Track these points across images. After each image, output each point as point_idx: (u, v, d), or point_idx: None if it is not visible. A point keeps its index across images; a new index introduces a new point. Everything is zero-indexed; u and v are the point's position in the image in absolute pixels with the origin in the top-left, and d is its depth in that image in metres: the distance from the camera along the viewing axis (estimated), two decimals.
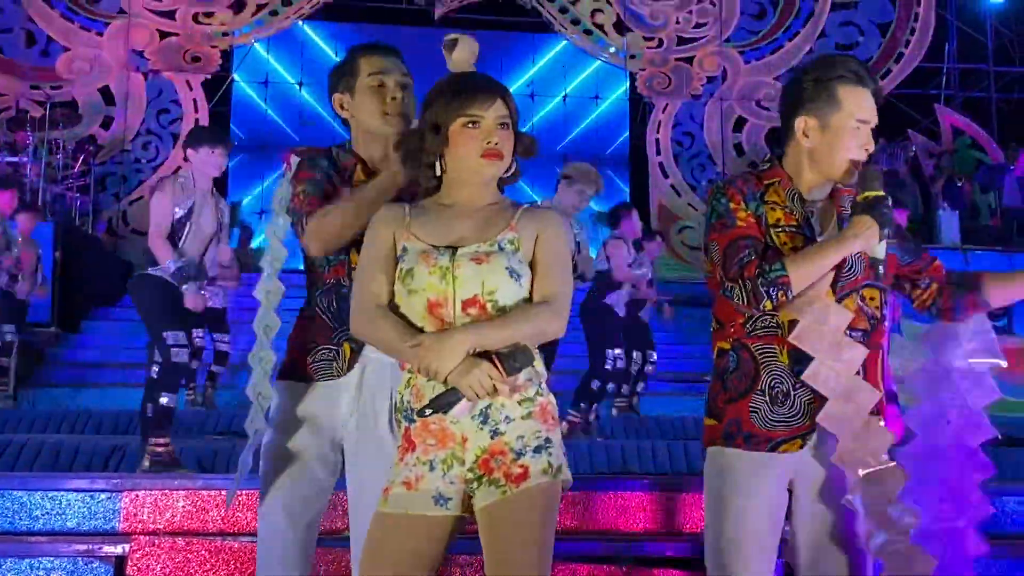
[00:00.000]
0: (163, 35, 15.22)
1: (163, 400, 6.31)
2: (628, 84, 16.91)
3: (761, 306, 2.74)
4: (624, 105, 17.66)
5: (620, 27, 16.22)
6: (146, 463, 6.13)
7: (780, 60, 16.26)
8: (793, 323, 2.76)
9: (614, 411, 9.37)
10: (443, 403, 2.53)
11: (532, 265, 2.69)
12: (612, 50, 16.38)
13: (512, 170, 2.76)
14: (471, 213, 2.72)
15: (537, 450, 2.59)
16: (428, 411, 2.55)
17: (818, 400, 2.75)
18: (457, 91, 2.68)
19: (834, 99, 2.80)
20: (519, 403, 2.60)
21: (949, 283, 2.99)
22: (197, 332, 8.44)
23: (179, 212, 6.40)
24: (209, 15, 15.39)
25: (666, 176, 16.15)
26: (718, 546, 2.81)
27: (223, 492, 5.13)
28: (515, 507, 2.55)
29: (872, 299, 2.86)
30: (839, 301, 2.78)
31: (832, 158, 2.81)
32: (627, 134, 17.70)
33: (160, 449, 6.20)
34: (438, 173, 2.73)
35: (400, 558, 2.57)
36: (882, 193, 2.72)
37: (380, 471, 2.80)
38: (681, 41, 16.26)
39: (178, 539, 4.95)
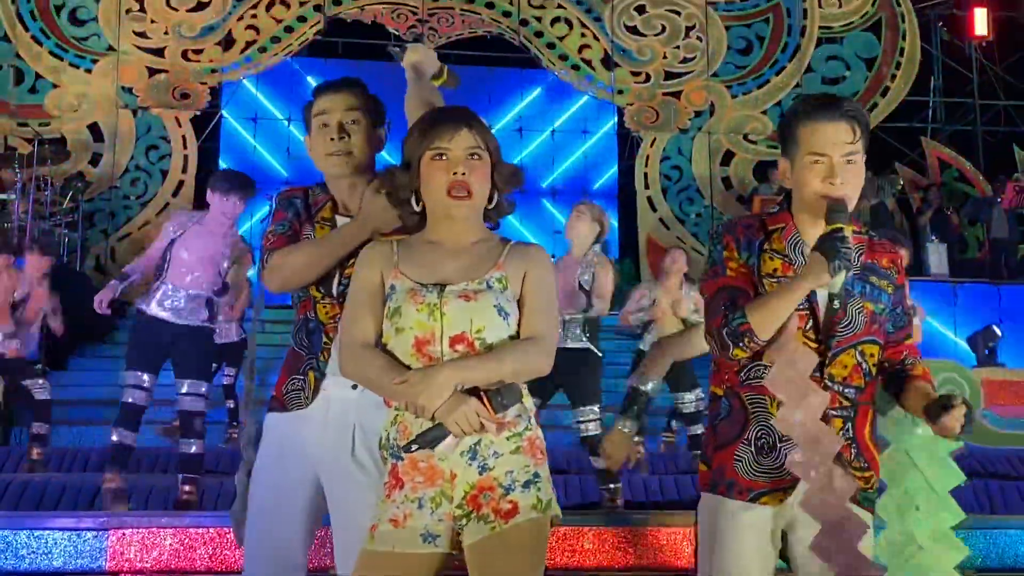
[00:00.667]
0: (152, 72, 15.23)
1: (113, 436, 6.36)
2: (616, 119, 16.97)
3: (731, 355, 2.74)
4: (612, 139, 17.72)
5: (608, 62, 16.30)
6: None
7: (767, 94, 16.34)
8: None
9: (661, 446, 9.24)
10: (429, 439, 2.51)
11: (519, 302, 2.68)
12: (600, 85, 16.45)
13: (496, 202, 2.74)
14: (459, 251, 2.70)
15: (526, 485, 2.57)
16: (414, 447, 2.52)
17: None
18: (424, 125, 2.69)
19: (794, 138, 2.79)
20: (507, 438, 2.58)
21: (893, 369, 2.91)
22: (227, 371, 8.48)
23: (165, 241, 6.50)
24: (198, 52, 15.42)
25: (654, 210, 16.17)
26: None
27: (210, 530, 5.09)
28: (504, 543, 2.53)
29: (872, 355, 2.81)
30: (835, 356, 2.75)
31: (801, 196, 2.80)
32: (615, 168, 17.75)
33: (109, 485, 6.23)
34: (417, 209, 2.72)
35: None
36: (838, 225, 2.66)
37: (354, 506, 2.84)
38: (668, 76, 16.34)
39: None
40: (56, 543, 5.14)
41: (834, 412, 2.75)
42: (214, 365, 7.62)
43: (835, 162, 2.73)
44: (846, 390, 2.76)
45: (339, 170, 3.11)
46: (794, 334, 2.71)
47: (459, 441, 2.52)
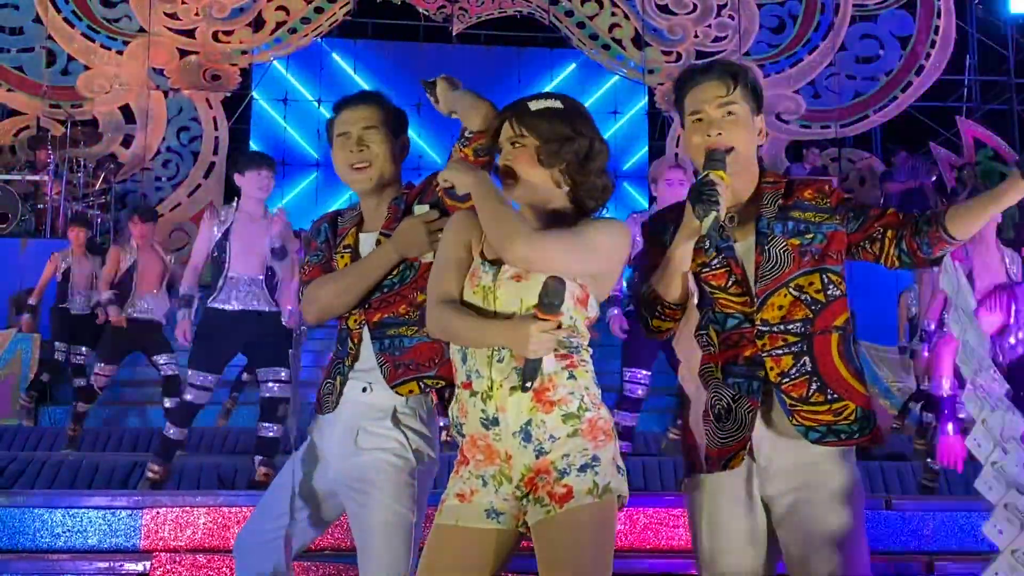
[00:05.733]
0: (183, 53, 15.26)
1: (170, 432, 6.49)
2: (647, 98, 16.87)
3: (653, 327, 2.83)
4: (643, 119, 17.63)
5: (638, 42, 16.20)
6: None
7: (800, 73, 16.18)
8: (724, 339, 2.79)
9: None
10: (528, 375, 2.47)
11: None
12: (631, 65, 16.35)
13: (577, 185, 2.70)
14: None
15: (582, 469, 2.54)
16: (528, 385, 2.48)
17: (758, 408, 2.72)
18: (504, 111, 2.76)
19: (681, 108, 2.87)
20: (563, 421, 2.53)
21: (907, 223, 2.74)
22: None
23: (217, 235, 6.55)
24: (228, 33, 15.44)
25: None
26: (700, 565, 2.84)
27: (244, 509, 5.11)
28: (561, 527, 2.50)
29: (811, 284, 2.75)
30: (764, 301, 2.74)
31: (692, 158, 2.83)
32: (646, 148, 17.66)
33: (154, 476, 6.34)
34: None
35: (453, 569, 2.55)
36: (705, 172, 2.63)
37: (357, 505, 2.99)
38: (700, 55, 16.18)
39: (199, 556, 4.93)
40: (91, 521, 5.17)
41: (779, 351, 2.73)
42: None
43: (712, 115, 2.77)
44: (789, 326, 2.73)
45: (362, 183, 3.15)
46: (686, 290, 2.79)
47: (551, 352, 2.48)
